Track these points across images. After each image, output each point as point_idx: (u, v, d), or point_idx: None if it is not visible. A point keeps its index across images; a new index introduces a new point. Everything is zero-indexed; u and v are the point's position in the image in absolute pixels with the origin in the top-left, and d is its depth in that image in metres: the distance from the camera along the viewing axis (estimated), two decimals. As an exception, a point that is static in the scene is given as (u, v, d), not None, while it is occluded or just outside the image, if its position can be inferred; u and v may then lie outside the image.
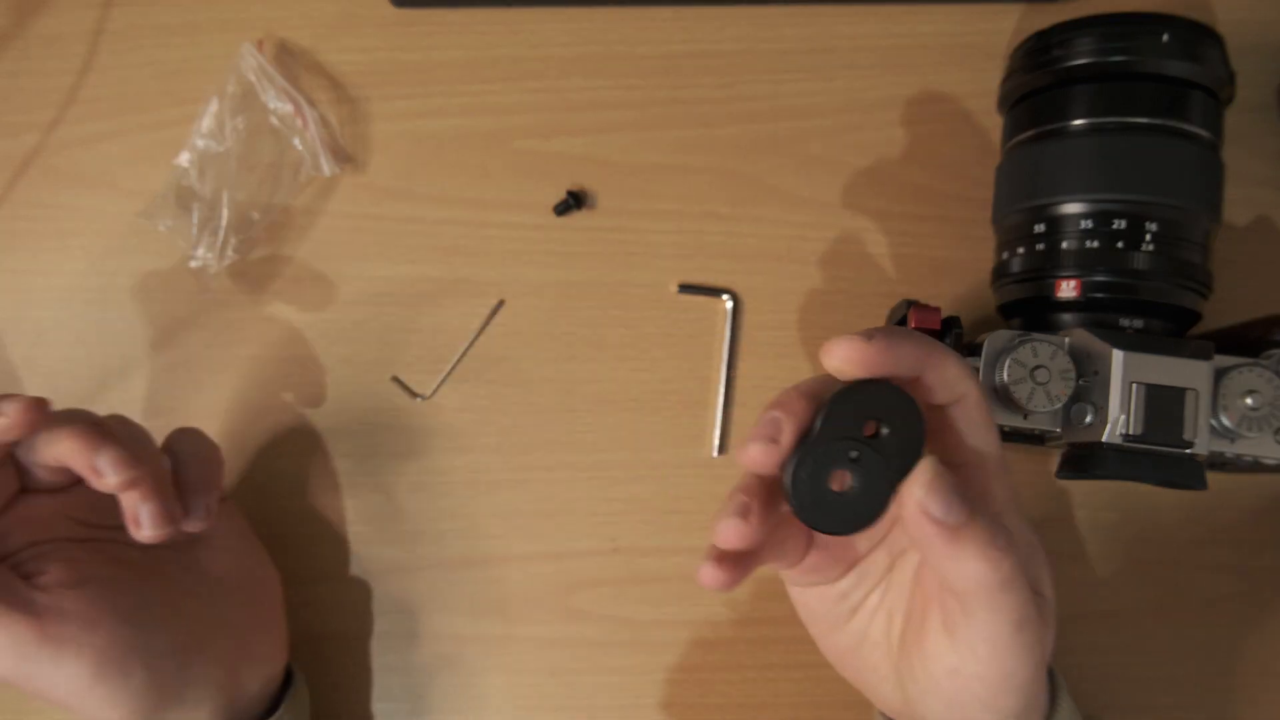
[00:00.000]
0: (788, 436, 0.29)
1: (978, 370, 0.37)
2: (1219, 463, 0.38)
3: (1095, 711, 0.45)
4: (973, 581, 0.28)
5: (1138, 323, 0.38)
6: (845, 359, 0.28)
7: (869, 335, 0.28)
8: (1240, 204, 0.46)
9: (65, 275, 0.46)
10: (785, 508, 0.30)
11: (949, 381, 0.29)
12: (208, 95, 0.45)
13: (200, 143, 0.45)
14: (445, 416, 0.46)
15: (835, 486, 0.28)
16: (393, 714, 0.45)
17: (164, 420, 0.46)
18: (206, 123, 0.45)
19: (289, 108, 0.45)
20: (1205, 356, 0.35)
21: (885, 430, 0.28)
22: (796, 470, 0.28)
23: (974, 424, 0.30)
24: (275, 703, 0.40)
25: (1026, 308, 0.40)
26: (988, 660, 0.29)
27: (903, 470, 0.28)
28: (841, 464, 0.28)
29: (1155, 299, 0.37)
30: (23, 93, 0.47)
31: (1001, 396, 0.36)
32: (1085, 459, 0.36)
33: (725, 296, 0.46)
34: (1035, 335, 0.36)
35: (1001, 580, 0.28)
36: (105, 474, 0.34)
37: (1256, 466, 0.37)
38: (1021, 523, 0.31)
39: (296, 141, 0.45)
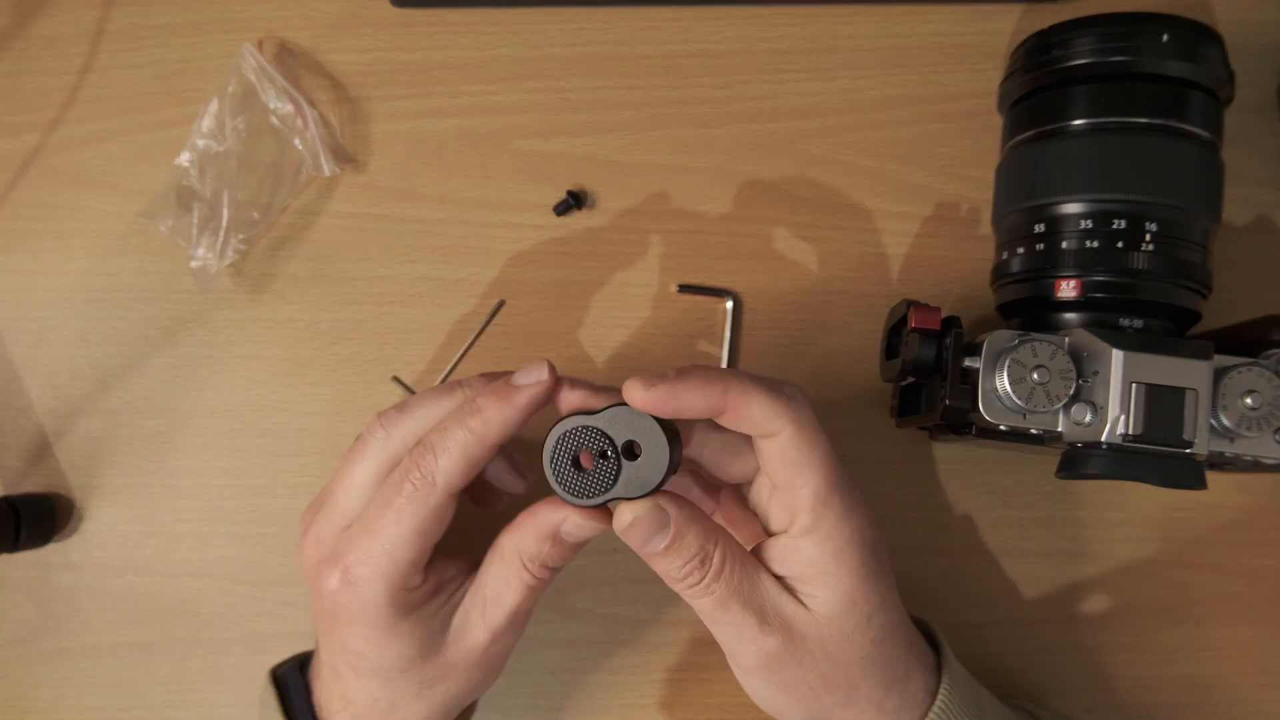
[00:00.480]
0: (575, 396, 0.34)
1: (975, 369, 0.37)
2: (1219, 462, 0.38)
3: (1094, 712, 0.45)
4: (694, 604, 0.34)
5: (1137, 322, 0.38)
6: (632, 397, 0.32)
7: (654, 383, 0.32)
8: (1240, 204, 0.46)
9: (66, 275, 0.46)
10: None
11: (755, 421, 0.33)
12: (208, 95, 0.45)
13: (201, 143, 0.45)
14: (445, 416, 0.46)
15: (581, 463, 0.33)
16: (393, 713, 0.45)
17: (164, 420, 0.46)
18: (207, 123, 0.45)
19: (289, 108, 0.45)
20: (1205, 356, 0.35)
21: (640, 452, 0.32)
22: (560, 427, 0.33)
23: (782, 459, 0.33)
24: None
25: (1026, 308, 0.40)
26: (735, 668, 0.35)
27: (631, 490, 0.32)
28: (593, 450, 0.32)
29: (1155, 299, 0.37)
30: (23, 93, 0.47)
31: (1001, 396, 0.36)
32: (1085, 459, 0.36)
33: (725, 297, 0.46)
34: (1035, 335, 0.36)
35: (707, 606, 0.34)
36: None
37: (1256, 466, 0.37)
38: (829, 550, 0.33)
39: (297, 141, 0.45)
